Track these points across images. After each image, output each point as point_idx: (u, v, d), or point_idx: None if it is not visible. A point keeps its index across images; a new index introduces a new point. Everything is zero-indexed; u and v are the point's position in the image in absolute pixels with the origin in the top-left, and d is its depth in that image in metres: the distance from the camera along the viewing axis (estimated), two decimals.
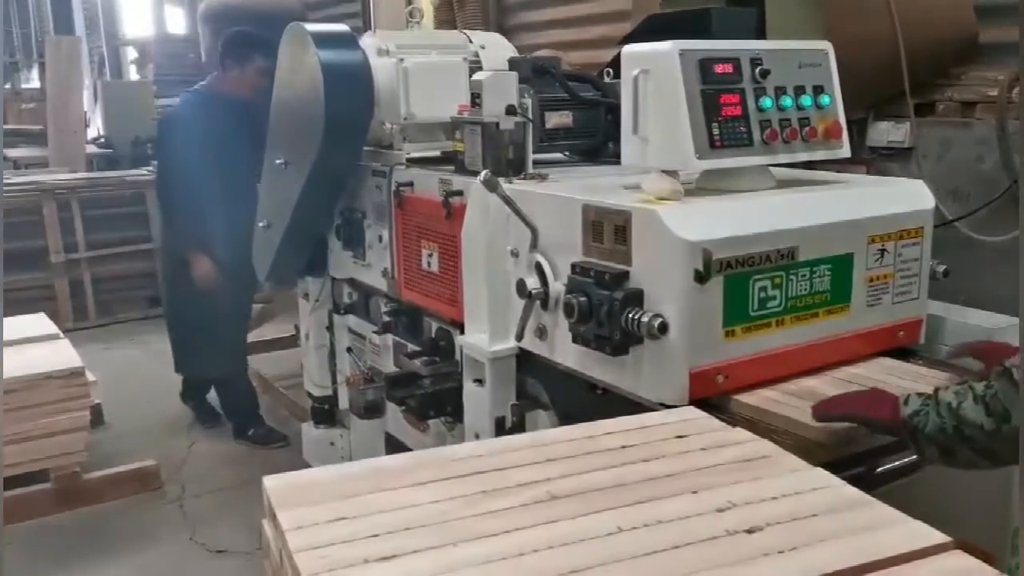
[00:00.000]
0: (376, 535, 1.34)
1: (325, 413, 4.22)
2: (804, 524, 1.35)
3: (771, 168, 2.50)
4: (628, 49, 2.36)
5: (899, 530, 1.33)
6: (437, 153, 3.39)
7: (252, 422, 5.12)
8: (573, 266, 2.34)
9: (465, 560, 1.26)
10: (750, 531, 1.33)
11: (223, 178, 4.50)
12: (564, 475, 1.54)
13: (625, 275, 2.20)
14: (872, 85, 3.55)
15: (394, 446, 3.62)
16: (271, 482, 1.53)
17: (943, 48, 3.58)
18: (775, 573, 1.22)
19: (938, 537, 1.31)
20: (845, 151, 2.50)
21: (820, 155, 2.46)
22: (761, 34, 3.44)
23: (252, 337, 5.91)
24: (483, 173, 2.50)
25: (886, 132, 3.80)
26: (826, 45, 2.48)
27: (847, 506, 1.41)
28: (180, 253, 4.80)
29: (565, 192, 2.49)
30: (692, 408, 1.95)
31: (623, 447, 1.67)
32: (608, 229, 2.26)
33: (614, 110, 3.17)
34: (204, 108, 4.72)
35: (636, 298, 2.17)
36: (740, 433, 1.72)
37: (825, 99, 2.43)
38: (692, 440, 1.70)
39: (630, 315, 2.14)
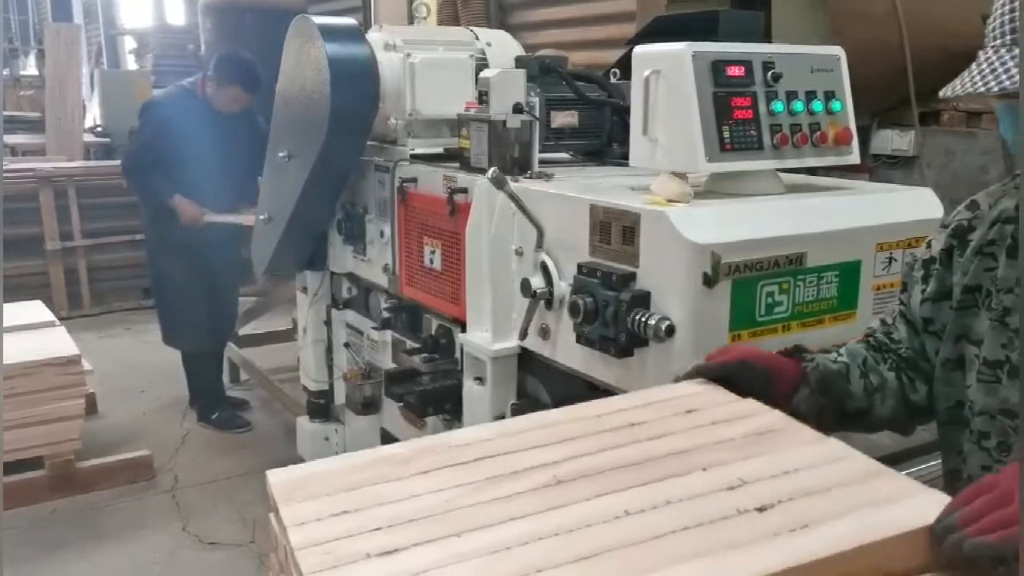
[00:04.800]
0: (379, 528, 1.31)
1: (321, 408, 4.20)
2: (817, 499, 1.31)
3: (779, 173, 2.49)
4: (640, 49, 2.35)
5: (919, 502, 1.28)
6: (440, 150, 3.38)
7: (216, 405, 5.25)
8: (579, 266, 2.32)
9: (470, 551, 1.24)
10: (761, 509, 1.29)
11: (186, 169, 4.78)
12: (572, 456, 1.50)
13: (632, 276, 2.19)
14: (877, 92, 3.55)
15: (389, 442, 3.59)
16: (275, 476, 1.52)
17: (949, 56, 3.57)
18: (786, 552, 1.18)
19: None
20: (855, 157, 2.49)
21: (830, 160, 2.45)
22: (767, 38, 3.44)
23: (248, 330, 5.92)
24: (491, 170, 2.49)
25: (890, 140, 3.80)
26: (838, 50, 2.47)
27: (862, 478, 1.37)
28: (159, 221, 4.94)
29: (572, 192, 2.48)
30: (705, 381, 1.89)
31: (632, 425, 1.64)
32: (616, 230, 2.25)
33: (620, 111, 3.17)
34: (186, 103, 4.93)
35: (643, 300, 2.16)
36: (751, 404, 1.68)
37: (836, 104, 2.42)
38: (702, 415, 1.66)
39: (636, 317, 2.13)
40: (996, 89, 1.37)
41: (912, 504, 1.29)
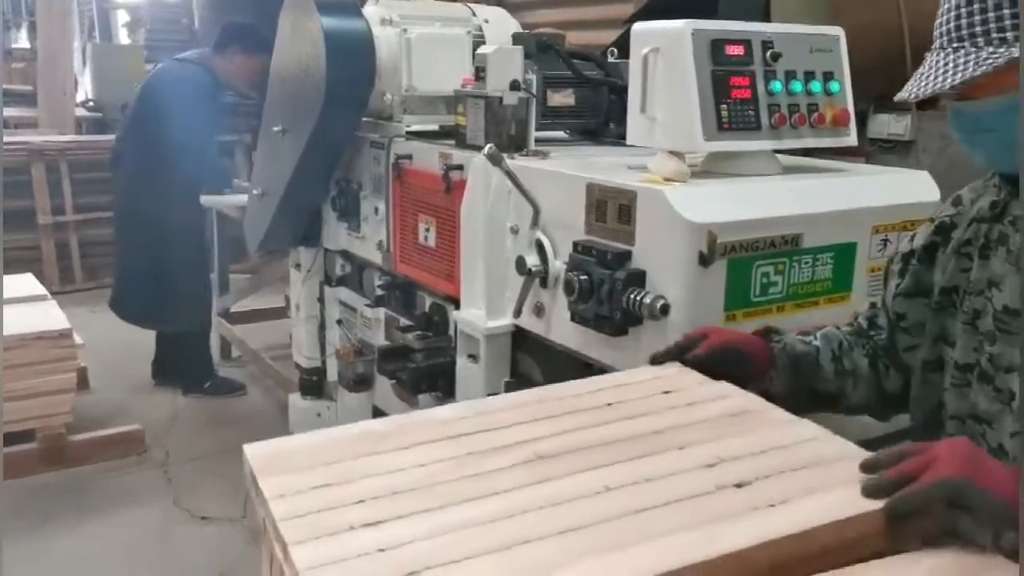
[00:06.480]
0: (362, 500, 1.31)
1: (313, 385, 4.21)
2: (794, 476, 1.33)
3: (776, 154, 2.49)
4: (639, 27, 2.34)
5: None
6: (436, 127, 3.37)
7: (208, 374, 5.28)
8: (575, 244, 2.32)
9: (452, 524, 1.24)
10: (739, 485, 1.30)
11: (201, 147, 4.74)
12: (551, 434, 1.52)
13: (628, 255, 2.19)
14: (875, 76, 3.54)
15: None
16: (252, 450, 1.51)
17: None
18: (766, 526, 1.20)
19: None
20: (852, 139, 2.49)
21: (827, 142, 2.45)
22: (766, 19, 3.43)
23: (240, 307, 5.91)
24: (487, 147, 2.48)
25: (887, 124, 3.79)
26: (838, 31, 2.47)
27: (837, 457, 1.39)
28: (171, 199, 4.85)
29: (569, 170, 2.47)
30: (678, 364, 1.91)
31: (610, 404, 1.65)
32: (612, 208, 2.24)
33: (617, 90, 3.16)
34: (208, 80, 4.84)
35: (638, 278, 2.15)
36: (724, 387, 1.70)
37: (835, 85, 2.41)
38: (678, 396, 1.67)
39: (631, 295, 2.12)
40: (940, 88, 1.38)
41: None
